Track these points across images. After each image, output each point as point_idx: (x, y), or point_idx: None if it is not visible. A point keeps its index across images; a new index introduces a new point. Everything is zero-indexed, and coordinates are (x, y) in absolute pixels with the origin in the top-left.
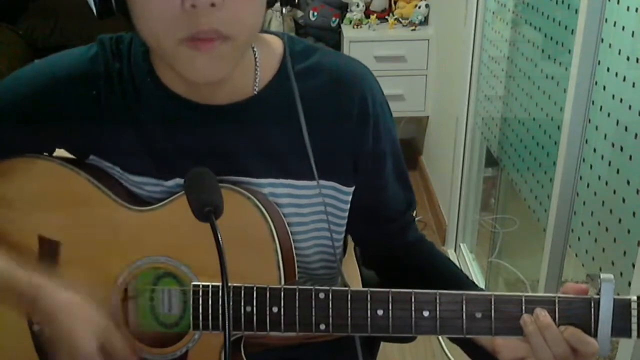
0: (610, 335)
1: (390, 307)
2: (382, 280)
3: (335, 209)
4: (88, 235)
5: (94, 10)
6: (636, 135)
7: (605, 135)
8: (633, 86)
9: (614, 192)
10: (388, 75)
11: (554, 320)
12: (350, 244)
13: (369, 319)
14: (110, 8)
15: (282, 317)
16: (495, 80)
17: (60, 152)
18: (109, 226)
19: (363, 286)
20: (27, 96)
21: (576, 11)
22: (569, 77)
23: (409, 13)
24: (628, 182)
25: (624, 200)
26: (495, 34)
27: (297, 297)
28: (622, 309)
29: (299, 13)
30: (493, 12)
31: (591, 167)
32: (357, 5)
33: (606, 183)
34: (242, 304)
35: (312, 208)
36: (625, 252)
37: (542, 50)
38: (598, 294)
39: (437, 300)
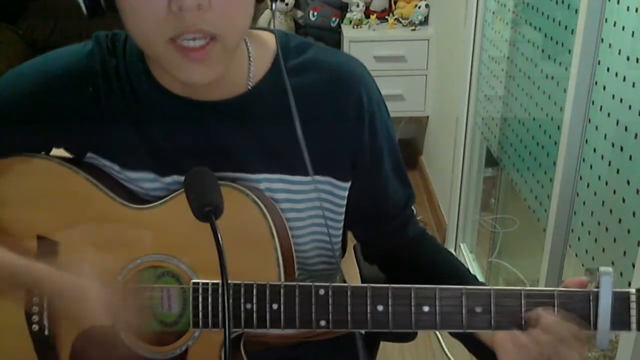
0: (610, 328)
1: (390, 303)
2: (385, 275)
3: (331, 204)
4: (87, 234)
5: (84, 10)
6: (636, 135)
7: (605, 135)
8: (633, 86)
9: (614, 192)
10: (388, 75)
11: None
12: (350, 243)
13: (369, 315)
14: (100, 7)
15: (282, 314)
16: (495, 80)
17: (57, 152)
18: (108, 225)
19: (362, 283)
20: (25, 95)
21: (576, 11)
22: (569, 77)
23: (409, 13)
24: (628, 182)
25: (624, 200)
26: (495, 34)
27: (296, 293)
28: (621, 301)
29: (299, 13)
30: (493, 12)
31: (591, 167)
32: (357, 5)
33: (606, 183)
34: (242, 301)
35: (308, 203)
36: (625, 252)
37: (542, 50)
38: (597, 287)
39: (437, 296)
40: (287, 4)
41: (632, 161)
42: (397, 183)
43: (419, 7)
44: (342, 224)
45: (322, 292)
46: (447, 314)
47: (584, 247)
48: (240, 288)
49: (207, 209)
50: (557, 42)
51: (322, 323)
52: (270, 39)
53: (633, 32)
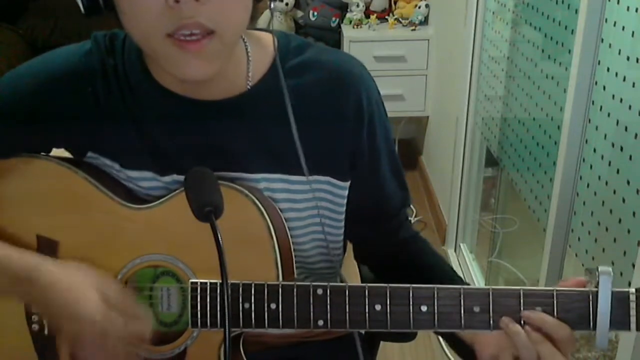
0: (609, 328)
1: (388, 302)
2: (376, 276)
3: (331, 204)
4: (86, 233)
5: (81, 8)
6: (636, 135)
7: (605, 135)
8: (633, 86)
9: (614, 192)
10: (388, 75)
11: (553, 313)
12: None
13: (367, 314)
14: (98, 5)
15: (280, 314)
16: (495, 80)
17: (57, 152)
18: (107, 224)
19: (362, 282)
20: (25, 95)
21: (576, 11)
22: (569, 77)
23: (409, 13)
24: (628, 182)
25: (624, 200)
26: (495, 34)
27: (295, 293)
28: (620, 301)
29: (299, 13)
30: (493, 12)
31: (591, 167)
32: (357, 5)
33: (606, 183)
34: (241, 300)
35: (308, 203)
36: (625, 252)
37: (542, 50)
38: (596, 287)
39: (435, 295)
40: (287, 4)
41: (632, 161)
42: (394, 184)
43: (419, 7)
44: (342, 224)
45: (320, 291)
46: (445, 314)
47: (584, 247)
48: (238, 287)
49: (207, 209)
50: (557, 42)
51: (320, 323)
52: (269, 40)
53: (633, 32)
